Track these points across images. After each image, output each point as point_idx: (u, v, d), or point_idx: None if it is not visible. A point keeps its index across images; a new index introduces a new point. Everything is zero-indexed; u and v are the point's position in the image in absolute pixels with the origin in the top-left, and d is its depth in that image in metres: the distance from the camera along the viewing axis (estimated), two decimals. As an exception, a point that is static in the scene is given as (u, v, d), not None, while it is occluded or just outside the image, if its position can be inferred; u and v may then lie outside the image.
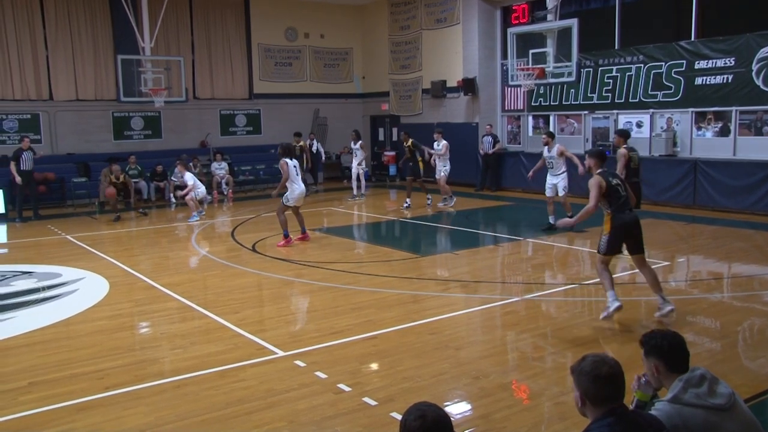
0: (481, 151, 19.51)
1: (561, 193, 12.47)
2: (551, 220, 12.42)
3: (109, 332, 7.21)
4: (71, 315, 7.87)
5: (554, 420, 4.91)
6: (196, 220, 14.93)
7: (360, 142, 18.27)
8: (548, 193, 12.61)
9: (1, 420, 5.04)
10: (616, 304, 6.88)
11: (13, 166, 15.49)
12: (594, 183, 6.93)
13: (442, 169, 16.05)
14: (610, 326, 7.08)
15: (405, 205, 16.07)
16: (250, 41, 22.13)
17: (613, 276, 7.42)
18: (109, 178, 16.07)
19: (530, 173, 13.44)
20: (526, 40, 15.32)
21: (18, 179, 15.43)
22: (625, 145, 10.40)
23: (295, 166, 11.51)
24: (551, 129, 18.72)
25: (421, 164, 16.29)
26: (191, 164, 18.37)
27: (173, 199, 18.05)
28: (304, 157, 18.42)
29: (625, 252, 7.48)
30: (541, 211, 13.25)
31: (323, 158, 21.10)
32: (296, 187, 11.47)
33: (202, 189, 15.78)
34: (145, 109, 19.99)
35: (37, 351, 6.63)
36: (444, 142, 16.00)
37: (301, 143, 18.89)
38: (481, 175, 19.61)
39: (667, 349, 3.21)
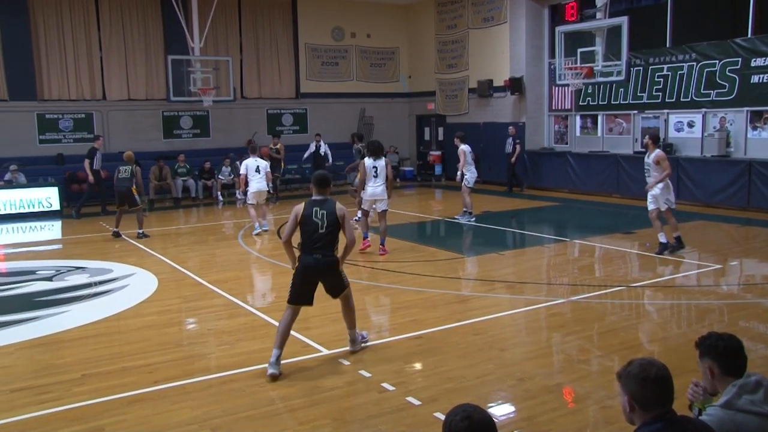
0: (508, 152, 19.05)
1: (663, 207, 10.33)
2: (660, 238, 10.39)
3: (159, 327, 7.36)
4: (122, 310, 8.07)
5: (600, 424, 4.83)
6: (259, 232, 13.03)
7: (361, 144, 15.74)
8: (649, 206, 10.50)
9: (57, 410, 5.20)
10: None
11: (87, 164, 16.19)
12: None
13: (463, 177, 13.95)
14: (660, 330, 6.93)
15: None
16: (297, 41, 22.33)
17: (666, 278, 7.23)
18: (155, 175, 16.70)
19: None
20: (574, 38, 15.14)
21: (91, 177, 16.22)
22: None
23: (374, 167, 10.89)
24: (599, 129, 18.42)
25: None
26: (238, 163, 18.59)
27: (220, 198, 18.33)
28: (279, 159, 18.32)
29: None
30: (586, 212, 13.03)
31: (330, 160, 19.33)
32: (368, 188, 11.06)
33: (258, 187, 13.16)
34: (194, 109, 20.35)
35: (89, 344, 6.81)
36: (462, 147, 13.84)
37: (279, 145, 18.76)
38: (507, 177, 19.33)
39: (722, 350, 3.11)
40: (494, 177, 19.72)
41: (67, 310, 8.11)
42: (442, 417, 2.50)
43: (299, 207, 6.07)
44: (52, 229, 14.97)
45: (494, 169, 19.71)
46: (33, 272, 10.14)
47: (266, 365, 5.82)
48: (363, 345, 6.42)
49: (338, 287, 6.17)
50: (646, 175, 10.48)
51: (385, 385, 5.51)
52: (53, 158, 18.49)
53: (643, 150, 16.66)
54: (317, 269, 5.95)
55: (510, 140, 18.96)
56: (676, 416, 2.76)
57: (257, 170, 13.07)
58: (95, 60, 19.30)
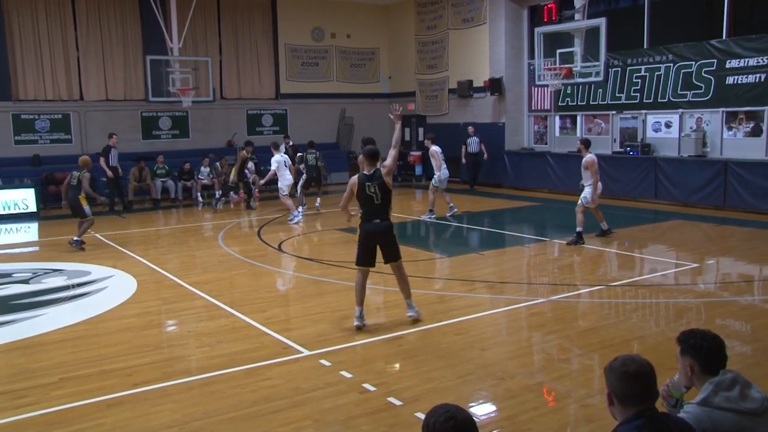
0: (464, 152, 19.48)
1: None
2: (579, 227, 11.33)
3: (138, 330, 7.30)
4: (100, 312, 7.98)
5: (580, 422, 4.87)
6: (298, 221, 14.14)
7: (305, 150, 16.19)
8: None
9: (34, 414, 5.14)
10: None
11: (102, 162, 16.59)
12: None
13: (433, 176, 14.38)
14: (638, 329, 7.00)
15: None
16: (277, 41, 22.25)
17: (644, 277, 7.30)
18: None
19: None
20: (553, 39, 15.23)
21: (110, 173, 16.59)
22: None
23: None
24: (578, 129, 18.58)
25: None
26: (218, 164, 18.54)
27: (200, 199, 18.22)
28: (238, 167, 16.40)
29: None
30: (566, 212, 13.11)
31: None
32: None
33: (289, 179, 14.54)
34: (173, 109, 20.21)
35: (67, 347, 6.74)
36: (432, 148, 14.24)
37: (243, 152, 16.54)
38: (470, 175, 19.80)
39: (705, 351, 3.14)
40: (482, 176, 19.91)
41: (44, 313, 8.01)
42: (423, 417, 2.50)
43: (354, 181, 6.89)
44: (29, 231, 14.78)
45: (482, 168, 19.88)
46: (9, 275, 10.00)
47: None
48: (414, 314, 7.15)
49: (395, 254, 7.04)
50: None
51: (366, 385, 5.51)
52: (29, 159, 18.26)
53: (622, 150, 16.95)
54: (377, 232, 6.87)
55: (476, 140, 19.34)
56: (656, 413, 2.79)
57: (285, 165, 14.46)
58: (72, 60, 19.09)
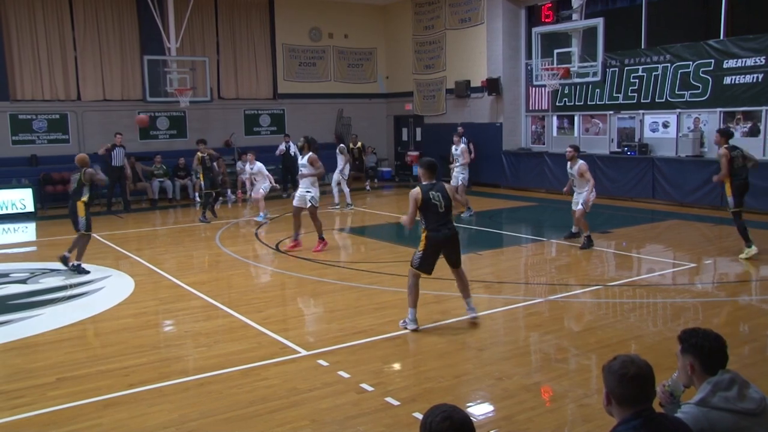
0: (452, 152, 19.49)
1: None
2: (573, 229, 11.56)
3: (135, 330, 7.29)
4: (98, 312, 7.98)
5: (578, 422, 4.87)
6: (263, 220, 14.64)
7: (340, 145, 17.18)
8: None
9: (31, 414, 5.13)
10: None
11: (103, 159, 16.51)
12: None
13: (459, 176, 14.93)
14: (636, 329, 7.00)
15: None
16: (274, 41, 22.24)
17: (641, 277, 7.31)
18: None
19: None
20: (551, 39, 15.24)
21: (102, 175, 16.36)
22: (726, 145, 9.94)
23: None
24: (576, 129, 18.59)
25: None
26: (215, 164, 18.50)
27: (198, 199, 18.19)
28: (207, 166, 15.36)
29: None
30: (564, 212, 13.16)
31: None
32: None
33: (267, 184, 15.32)
34: (171, 109, 20.19)
35: (64, 347, 6.72)
36: (463, 145, 15.12)
37: (208, 152, 15.55)
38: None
39: (707, 351, 3.12)
40: (476, 178, 19.81)
41: (41, 313, 8.00)
42: (421, 417, 2.50)
43: (417, 192, 6.86)
44: (26, 231, 14.76)
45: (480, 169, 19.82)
46: (6, 275, 9.98)
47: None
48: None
49: (459, 258, 7.13)
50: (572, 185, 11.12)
51: (363, 385, 5.50)
52: (27, 159, 18.25)
53: (619, 150, 16.95)
54: (447, 240, 6.92)
55: (464, 140, 19.22)
56: (654, 414, 2.79)
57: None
58: (69, 60, 19.07)
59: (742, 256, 9.98)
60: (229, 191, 18.86)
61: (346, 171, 16.70)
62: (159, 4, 17.67)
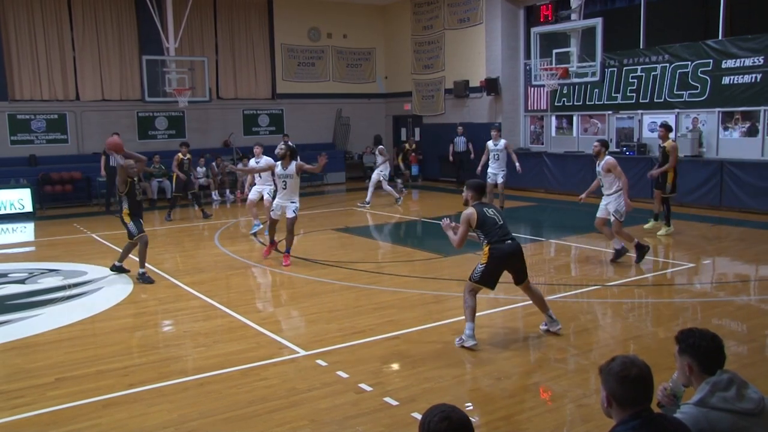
0: (451, 150, 20.24)
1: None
2: (615, 244, 9.91)
3: (134, 330, 7.29)
4: (96, 313, 7.97)
5: (577, 422, 4.87)
6: (260, 227, 13.13)
7: (380, 147, 17.25)
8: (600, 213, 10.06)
9: (30, 414, 5.13)
10: None
11: (103, 161, 16.51)
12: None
13: (500, 173, 14.89)
14: (635, 329, 7.01)
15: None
16: (273, 41, 22.25)
17: (640, 277, 7.31)
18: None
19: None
20: (549, 39, 15.25)
21: (103, 173, 16.61)
22: (671, 138, 10.53)
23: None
24: (574, 129, 18.61)
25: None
26: (214, 164, 18.52)
27: (190, 197, 18.14)
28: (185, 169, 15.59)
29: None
30: (562, 212, 13.17)
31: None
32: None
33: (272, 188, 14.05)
34: (170, 109, 20.19)
35: (63, 347, 6.72)
36: (503, 140, 15.08)
37: (188, 156, 15.72)
38: (458, 173, 20.25)
39: (704, 351, 3.12)
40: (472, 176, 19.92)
41: (40, 313, 8.00)
42: (420, 417, 2.50)
43: (471, 213, 6.57)
44: (25, 231, 14.75)
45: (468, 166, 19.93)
46: (5, 275, 9.98)
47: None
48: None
49: (525, 271, 6.74)
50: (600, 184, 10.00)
51: (362, 385, 5.50)
52: (26, 159, 18.24)
53: (618, 150, 16.96)
54: (514, 252, 6.58)
55: (463, 140, 19.92)
56: (653, 414, 2.80)
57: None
58: (68, 60, 19.07)
59: (661, 233, 11.67)
60: (228, 191, 18.86)
61: (386, 171, 17.05)
62: (158, 4, 17.66)
